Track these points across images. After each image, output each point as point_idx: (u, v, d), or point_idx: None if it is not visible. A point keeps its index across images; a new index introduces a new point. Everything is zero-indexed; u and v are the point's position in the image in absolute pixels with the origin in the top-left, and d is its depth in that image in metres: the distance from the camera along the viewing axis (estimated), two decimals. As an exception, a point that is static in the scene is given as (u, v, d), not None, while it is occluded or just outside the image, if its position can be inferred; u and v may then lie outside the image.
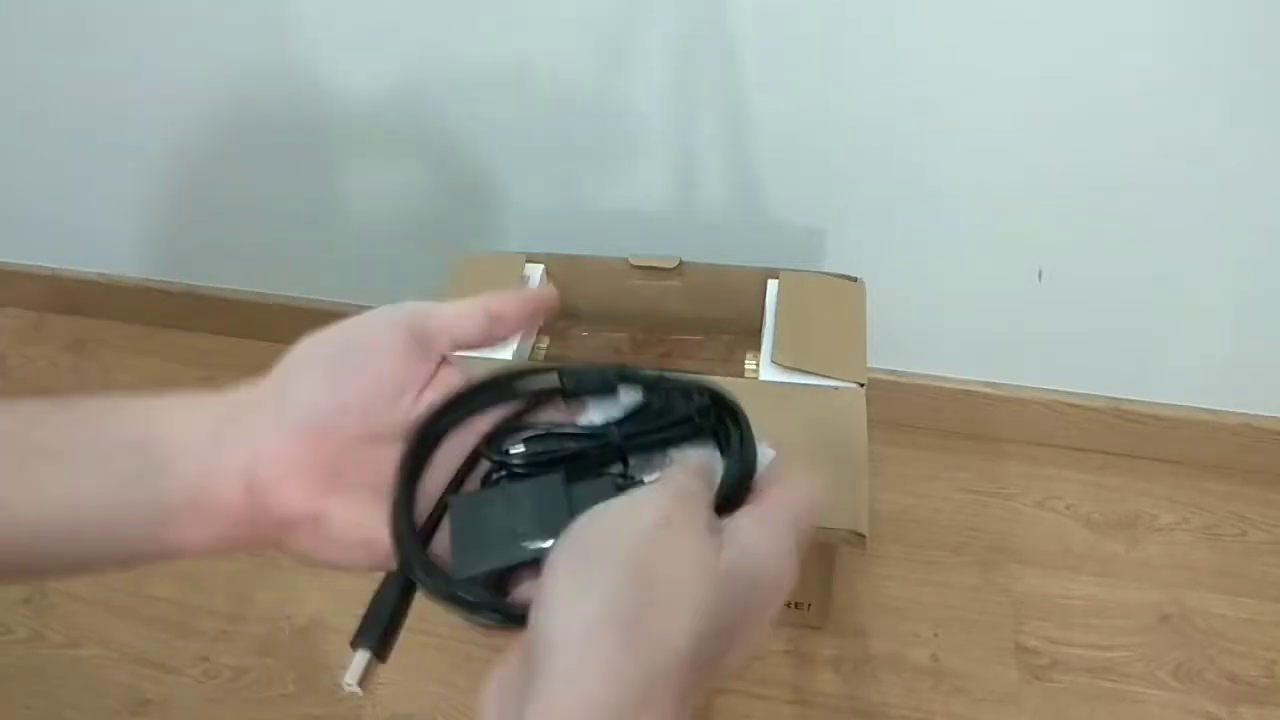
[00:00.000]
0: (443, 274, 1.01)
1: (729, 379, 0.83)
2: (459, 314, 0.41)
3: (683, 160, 1.03)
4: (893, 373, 1.15)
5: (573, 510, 0.36)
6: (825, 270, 0.99)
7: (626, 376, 0.43)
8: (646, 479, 0.40)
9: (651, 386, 0.43)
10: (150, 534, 0.35)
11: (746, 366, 0.95)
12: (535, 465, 0.39)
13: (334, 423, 0.38)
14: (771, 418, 0.83)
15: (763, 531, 0.34)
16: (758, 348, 0.91)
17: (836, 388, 0.86)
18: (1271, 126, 0.89)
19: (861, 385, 0.87)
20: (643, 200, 1.07)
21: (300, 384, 0.38)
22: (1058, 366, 1.12)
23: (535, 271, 1.00)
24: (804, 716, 0.92)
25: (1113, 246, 1.00)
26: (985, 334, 1.11)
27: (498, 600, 0.36)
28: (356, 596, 0.37)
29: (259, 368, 0.37)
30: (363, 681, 0.37)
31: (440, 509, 0.39)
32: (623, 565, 0.30)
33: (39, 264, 1.40)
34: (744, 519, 0.34)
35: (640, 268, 1.00)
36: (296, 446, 0.37)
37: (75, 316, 1.41)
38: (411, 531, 0.37)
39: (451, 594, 0.36)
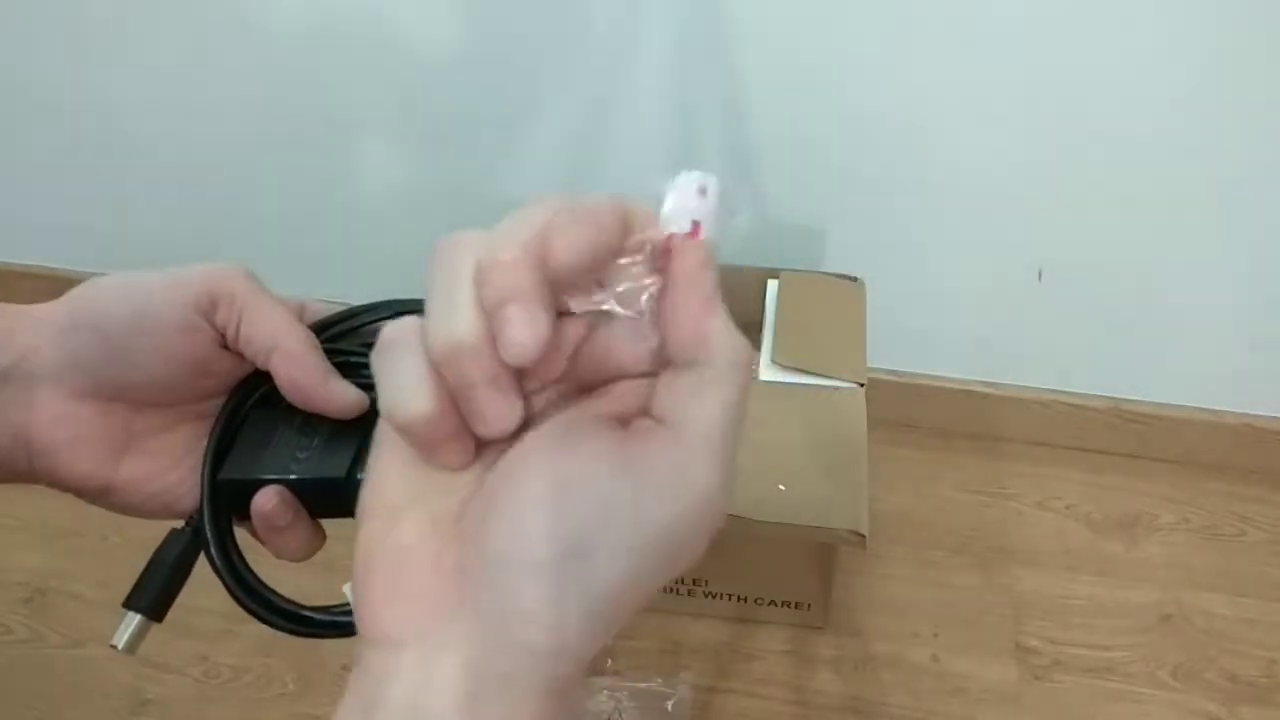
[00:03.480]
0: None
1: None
2: (272, 328, 0.37)
3: (682, 160, 1.03)
4: (893, 373, 1.15)
5: (361, 453, 0.37)
6: (825, 270, 0.99)
7: None
8: None
9: None
10: None
11: (746, 366, 0.95)
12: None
13: (121, 395, 0.37)
14: (771, 418, 0.84)
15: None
16: (758, 348, 0.91)
17: (836, 388, 0.87)
18: (1271, 128, 0.89)
19: (861, 385, 0.87)
20: (641, 201, 1.07)
21: (84, 351, 0.36)
22: (1058, 366, 1.12)
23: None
24: (804, 716, 0.92)
25: (1113, 247, 1.00)
26: (985, 334, 1.11)
27: (264, 593, 0.37)
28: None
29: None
30: (132, 645, 0.37)
31: (241, 420, 0.39)
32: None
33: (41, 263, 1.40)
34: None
35: (640, 268, 1.00)
36: (80, 413, 0.36)
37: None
38: (214, 506, 0.37)
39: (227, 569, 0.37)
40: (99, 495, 0.38)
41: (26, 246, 1.38)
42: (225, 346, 0.37)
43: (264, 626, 0.37)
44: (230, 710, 0.93)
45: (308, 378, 0.37)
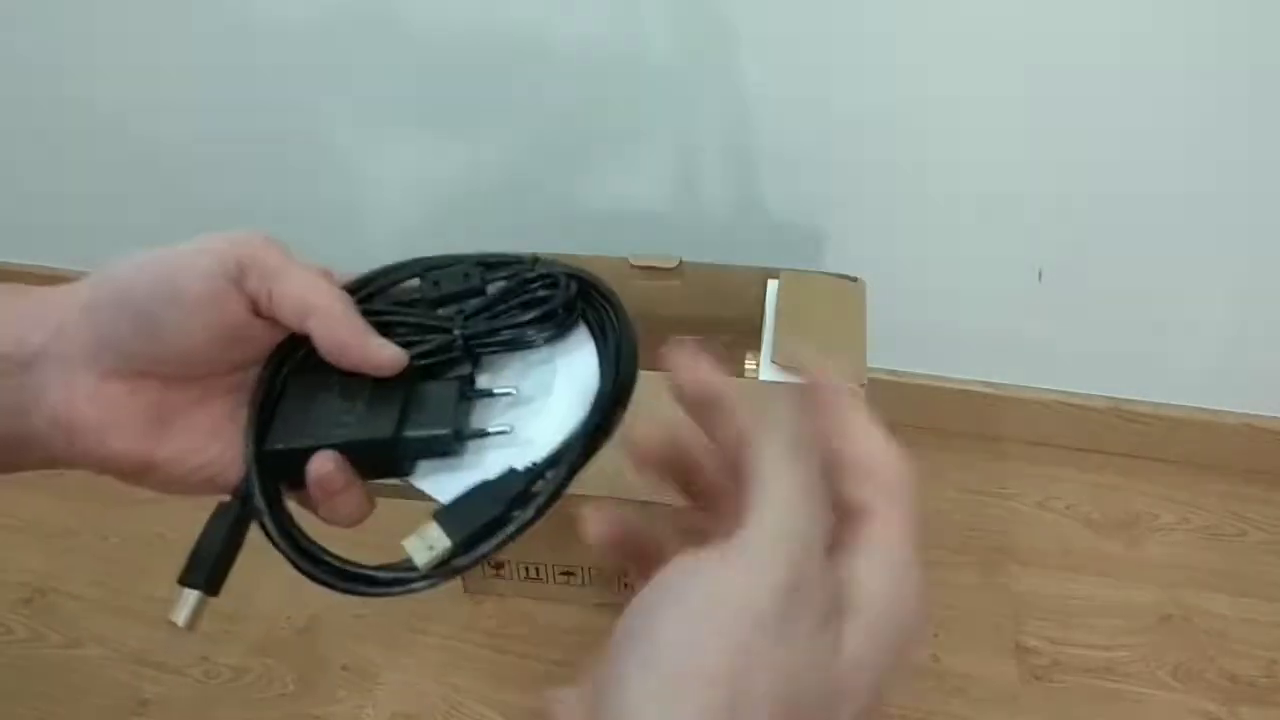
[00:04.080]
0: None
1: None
2: (306, 290, 0.37)
3: (683, 160, 1.03)
4: (893, 373, 1.15)
5: (405, 412, 0.37)
6: (825, 270, 0.99)
7: (491, 264, 0.40)
8: (496, 390, 0.38)
9: (515, 276, 0.40)
10: None
11: (746, 366, 0.95)
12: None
13: (152, 370, 0.37)
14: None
15: (886, 574, 0.29)
16: (758, 348, 0.91)
17: (836, 388, 0.86)
18: (1271, 126, 0.89)
19: (861, 385, 0.87)
20: (643, 200, 1.07)
21: (112, 327, 0.36)
22: (1058, 366, 1.12)
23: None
24: (804, 716, 0.92)
25: (1113, 247, 1.00)
26: (985, 334, 1.11)
27: (322, 555, 0.36)
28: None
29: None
30: (191, 621, 0.37)
31: (280, 389, 0.38)
32: (712, 689, 0.24)
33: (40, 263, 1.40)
34: (860, 563, 0.28)
35: (640, 267, 1.00)
36: (113, 391, 0.36)
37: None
38: (258, 468, 0.37)
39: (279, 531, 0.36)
40: (143, 474, 0.37)
41: (26, 246, 1.38)
42: (257, 314, 0.37)
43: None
44: (230, 710, 0.93)
45: (351, 336, 0.36)
